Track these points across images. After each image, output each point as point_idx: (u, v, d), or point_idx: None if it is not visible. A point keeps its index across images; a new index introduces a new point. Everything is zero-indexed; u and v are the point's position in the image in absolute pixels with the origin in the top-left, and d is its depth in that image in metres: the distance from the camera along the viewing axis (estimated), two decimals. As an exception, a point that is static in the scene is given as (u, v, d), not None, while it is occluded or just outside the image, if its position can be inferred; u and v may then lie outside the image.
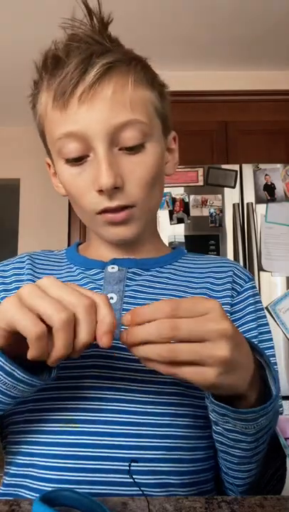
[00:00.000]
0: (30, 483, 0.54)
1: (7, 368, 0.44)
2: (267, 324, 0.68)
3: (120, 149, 0.58)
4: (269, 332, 0.67)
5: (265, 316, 0.68)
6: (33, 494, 0.53)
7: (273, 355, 0.66)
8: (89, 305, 0.42)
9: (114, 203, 0.58)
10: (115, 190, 0.57)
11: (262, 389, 0.49)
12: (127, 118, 0.56)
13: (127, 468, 0.52)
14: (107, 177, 0.55)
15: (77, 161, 0.58)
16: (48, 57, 0.59)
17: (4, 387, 0.46)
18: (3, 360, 0.44)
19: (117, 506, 0.43)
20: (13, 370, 0.44)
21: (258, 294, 0.70)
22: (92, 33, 0.59)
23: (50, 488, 0.51)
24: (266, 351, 0.65)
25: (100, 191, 0.57)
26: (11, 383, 0.45)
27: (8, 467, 0.58)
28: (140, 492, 0.48)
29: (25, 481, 0.55)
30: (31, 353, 0.42)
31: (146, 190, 0.59)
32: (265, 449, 0.52)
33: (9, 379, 0.45)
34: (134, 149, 0.58)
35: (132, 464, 0.52)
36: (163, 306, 0.41)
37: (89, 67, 0.55)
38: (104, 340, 0.42)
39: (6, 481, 0.58)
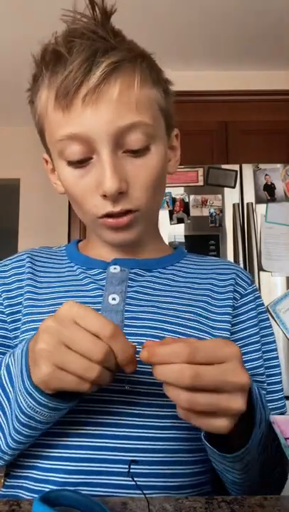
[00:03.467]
0: (31, 484, 0.54)
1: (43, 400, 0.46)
2: (269, 327, 0.67)
3: (124, 152, 0.56)
4: (271, 335, 0.67)
5: (267, 319, 0.68)
6: (33, 496, 0.53)
7: (276, 358, 0.65)
8: (113, 333, 0.43)
9: (117, 208, 0.56)
10: (119, 195, 0.56)
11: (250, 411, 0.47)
12: (133, 120, 0.54)
13: (128, 470, 0.51)
14: (111, 182, 0.54)
15: (80, 163, 0.56)
16: (47, 52, 0.56)
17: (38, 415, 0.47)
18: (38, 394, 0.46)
19: (116, 506, 0.43)
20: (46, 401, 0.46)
21: (260, 296, 0.69)
22: (95, 27, 0.56)
23: None
24: (268, 354, 0.65)
25: (104, 196, 0.56)
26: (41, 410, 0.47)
27: (10, 468, 0.58)
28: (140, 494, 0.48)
29: (26, 483, 0.55)
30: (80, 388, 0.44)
31: (150, 193, 0.58)
32: (258, 474, 0.52)
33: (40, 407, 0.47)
34: (138, 152, 0.56)
35: (133, 466, 0.51)
36: (181, 349, 0.40)
37: (93, 66, 0.53)
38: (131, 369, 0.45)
39: (7, 483, 0.58)
